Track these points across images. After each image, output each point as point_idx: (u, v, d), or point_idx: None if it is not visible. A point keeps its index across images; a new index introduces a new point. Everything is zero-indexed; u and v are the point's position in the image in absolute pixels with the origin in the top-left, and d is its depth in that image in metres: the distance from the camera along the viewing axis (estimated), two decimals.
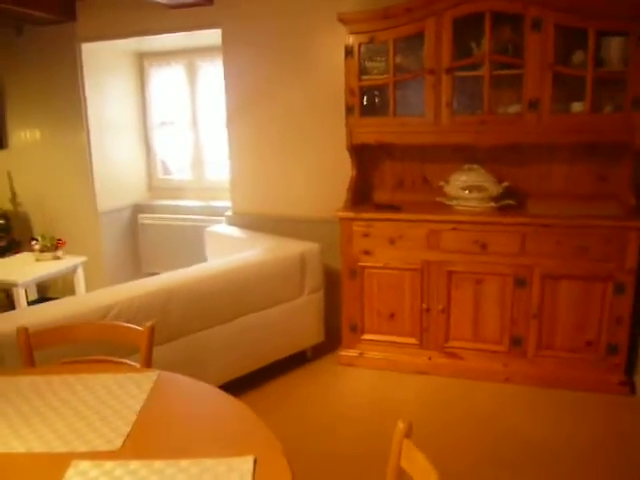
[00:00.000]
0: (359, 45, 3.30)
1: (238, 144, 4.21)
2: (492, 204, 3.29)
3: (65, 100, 4.68)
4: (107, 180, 4.88)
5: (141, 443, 1.35)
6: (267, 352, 3.41)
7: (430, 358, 3.41)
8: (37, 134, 4.92)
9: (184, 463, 1.23)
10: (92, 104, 4.67)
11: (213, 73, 4.71)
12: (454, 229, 3.22)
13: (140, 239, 5.13)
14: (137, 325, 2.61)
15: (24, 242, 5.08)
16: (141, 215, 5.08)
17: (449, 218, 3.24)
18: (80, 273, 4.39)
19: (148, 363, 1.86)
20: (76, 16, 4.47)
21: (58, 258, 4.34)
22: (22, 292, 3.89)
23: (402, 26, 3.16)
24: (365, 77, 3.37)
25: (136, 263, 5.22)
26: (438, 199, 3.49)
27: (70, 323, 2.29)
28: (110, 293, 2.82)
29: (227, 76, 4.11)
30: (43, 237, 4.40)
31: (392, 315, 3.46)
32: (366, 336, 3.55)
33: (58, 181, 4.93)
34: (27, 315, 2.60)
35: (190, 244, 4.80)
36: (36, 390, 1.61)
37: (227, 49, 4.05)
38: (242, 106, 4.11)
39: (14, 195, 5.13)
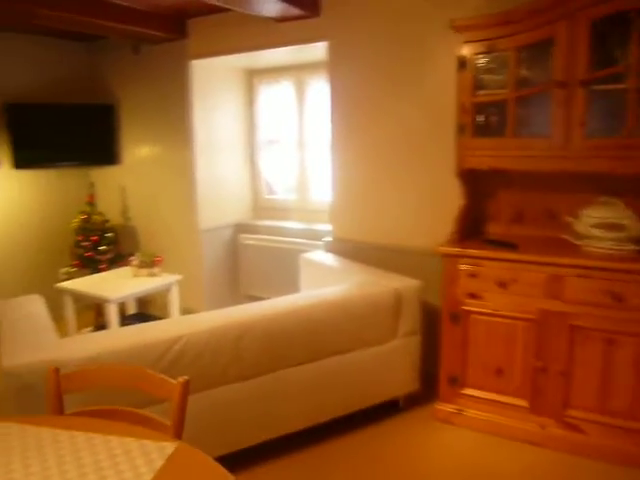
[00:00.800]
0: (474, 55, 2.86)
1: (341, 165, 3.91)
2: (632, 247, 2.69)
3: (174, 117, 4.67)
4: (211, 198, 4.79)
5: None
6: (351, 399, 3.03)
7: (543, 427, 2.84)
8: (148, 150, 4.96)
9: None
10: (199, 121, 4.60)
11: (321, 90, 4.46)
12: (582, 275, 2.65)
13: (240, 260, 4.99)
14: (202, 363, 2.37)
15: (133, 251, 5.13)
16: (243, 235, 4.94)
17: (576, 262, 2.67)
18: (175, 292, 4.29)
19: (179, 424, 1.57)
20: (187, 34, 4.44)
21: (154, 275, 4.28)
22: (113, 308, 3.84)
23: (526, 32, 2.67)
24: (480, 92, 2.91)
25: (235, 284, 5.08)
26: (564, 237, 2.94)
27: (114, 361, 2.08)
28: (179, 323, 2.61)
29: (332, 93, 3.84)
30: (142, 253, 4.36)
31: (499, 370, 2.94)
32: (467, 391, 3.06)
33: (163, 197, 4.93)
34: (87, 341, 2.44)
35: (289, 268, 4.55)
36: (38, 444, 1.38)
37: (333, 64, 3.78)
38: (346, 126, 3.81)
39: (125, 209, 5.21)
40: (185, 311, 4.80)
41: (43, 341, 2.42)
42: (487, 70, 2.92)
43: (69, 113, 4.89)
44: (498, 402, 2.97)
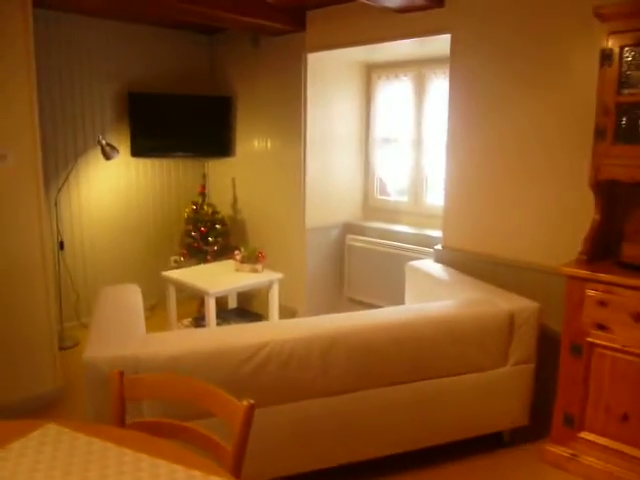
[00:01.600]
0: (621, 48, 2.44)
1: (456, 168, 3.59)
2: None
3: (288, 111, 4.57)
4: (319, 195, 4.65)
5: None
6: (450, 427, 2.73)
7: None
8: (260, 144, 4.91)
9: None
10: (313, 116, 4.47)
11: (442, 87, 4.16)
12: None
13: (345, 261, 4.81)
14: (287, 373, 2.21)
15: (239, 245, 5.13)
16: (350, 236, 4.75)
17: None
18: (275, 290, 4.19)
19: (238, 452, 1.40)
20: (306, 25, 4.31)
21: (256, 271, 4.21)
22: (212, 301, 3.80)
23: None
24: (626, 91, 2.48)
25: (338, 286, 4.91)
26: None
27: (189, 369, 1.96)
28: (266, 329, 2.46)
29: (452, 89, 3.52)
30: (246, 248, 4.31)
31: (625, 416, 2.51)
32: (585, 434, 2.65)
33: (272, 192, 4.86)
34: (170, 339, 2.36)
35: (396, 274, 4.30)
36: (85, 457, 1.27)
37: (455, 58, 3.47)
38: (466, 124, 3.48)
39: (235, 202, 5.21)
40: (285, 310, 4.71)
41: (128, 335, 2.37)
42: (636, 66, 2.49)
43: (188, 104, 4.96)
44: (622, 453, 2.54)
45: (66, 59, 4.36)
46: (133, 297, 2.94)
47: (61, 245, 4.35)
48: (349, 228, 4.82)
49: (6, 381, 3.26)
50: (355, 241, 4.70)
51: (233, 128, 5.11)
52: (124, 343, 2.28)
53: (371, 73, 4.73)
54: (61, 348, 3.90)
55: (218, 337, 2.36)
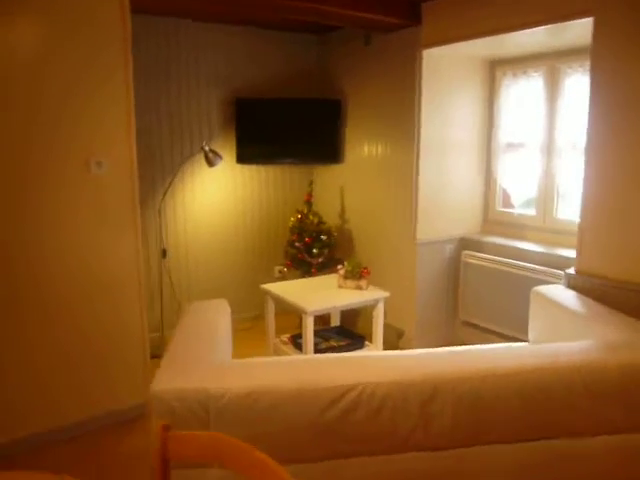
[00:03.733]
0: None
1: (599, 176, 3.00)
2: None
3: (400, 114, 4.18)
4: (433, 206, 4.21)
5: None
6: None
7: None
8: (370, 150, 4.56)
9: None
10: (427, 119, 4.05)
11: (579, 83, 3.57)
12: None
13: (461, 280, 4.32)
14: (379, 422, 1.86)
15: (345, 259, 4.82)
16: (466, 252, 4.26)
17: None
18: (380, 309, 3.82)
19: None
20: (421, 19, 3.90)
21: (360, 288, 3.86)
22: (310, 320, 3.51)
23: None
24: None
25: (452, 307, 4.43)
26: None
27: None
28: (356, 367, 2.09)
29: (594, 85, 2.95)
30: (349, 262, 3.98)
31: None
32: None
33: (381, 202, 4.49)
34: (248, 370, 2.07)
35: (519, 299, 3.78)
36: None
37: (598, 46, 2.89)
38: (612, 125, 2.89)
39: (343, 211, 4.90)
40: (391, 329, 4.33)
41: (203, 363, 2.12)
42: None
43: (295, 108, 4.73)
44: None
45: (175, 65, 4.30)
46: (220, 315, 2.70)
47: (164, 253, 4.27)
48: (466, 243, 4.33)
49: (99, 392, 3.18)
50: (472, 258, 4.21)
51: (342, 133, 4.81)
52: (196, 373, 2.02)
53: (495, 70, 4.21)
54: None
55: (301, 372, 2.03)
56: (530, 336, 3.21)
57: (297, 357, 2.21)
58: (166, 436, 1.33)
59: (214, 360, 2.17)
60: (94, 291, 3.12)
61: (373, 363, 2.12)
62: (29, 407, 2.97)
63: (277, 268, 5.05)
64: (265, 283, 4.27)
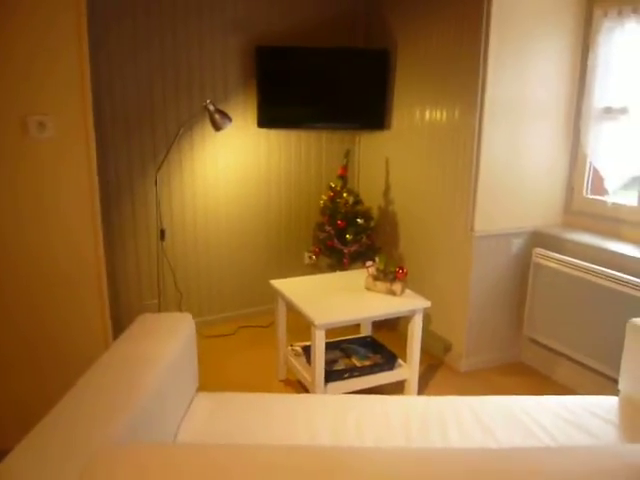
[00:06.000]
0: None
1: None
2: None
3: (461, 70, 3.19)
4: (498, 188, 3.24)
5: None
6: None
7: None
8: (421, 114, 3.59)
9: None
10: (495, 77, 3.05)
11: None
12: None
13: (529, 286, 3.35)
14: None
15: (386, 249, 3.95)
16: (539, 250, 3.27)
17: None
18: (417, 323, 2.93)
19: None
20: None
21: (393, 293, 2.99)
22: (320, 335, 2.69)
23: None
24: None
25: (516, 319, 3.48)
26: None
27: None
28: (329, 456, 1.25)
29: None
30: (381, 258, 3.10)
31: None
32: None
33: (432, 180, 3.54)
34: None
35: (609, 321, 2.81)
36: None
37: None
38: None
39: (387, 189, 3.99)
40: (437, 340, 3.48)
41: (72, 451, 1.34)
42: None
43: (331, 60, 3.80)
44: None
45: (183, 6, 3.46)
46: (169, 344, 1.93)
47: (162, 234, 3.55)
48: (539, 239, 3.34)
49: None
50: (546, 259, 3.22)
51: (390, 92, 3.86)
52: (63, 468, 1.25)
53: (593, 8, 3.13)
54: None
55: (233, 467, 1.22)
56: (621, 385, 2.27)
57: (223, 449, 1.40)
58: None
59: (108, 433, 1.40)
60: (44, 290, 2.44)
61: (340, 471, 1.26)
62: None
63: (307, 254, 4.24)
64: (292, 271, 3.44)
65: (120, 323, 3.11)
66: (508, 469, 1.16)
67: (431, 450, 1.27)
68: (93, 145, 2.43)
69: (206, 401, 2.12)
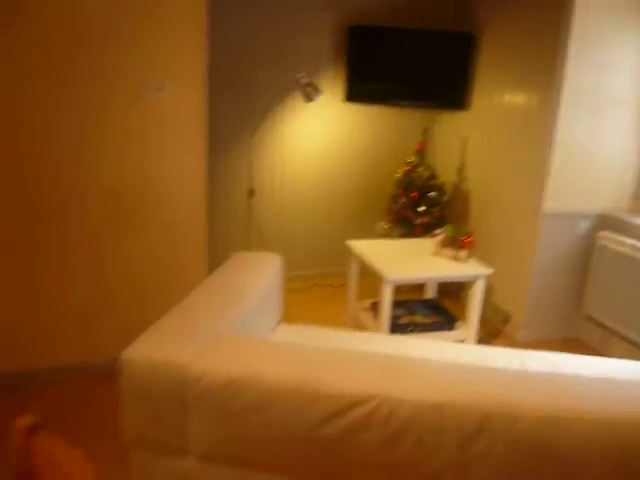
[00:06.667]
0: None
1: None
2: None
3: (540, 58, 3.35)
4: (569, 171, 3.39)
5: None
6: None
7: None
8: (501, 96, 3.77)
9: None
10: (575, 65, 3.19)
11: None
12: None
13: (592, 265, 3.49)
14: (397, 451, 1.39)
15: (455, 222, 4.17)
16: (605, 233, 3.41)
17: None
18: (479, 288, 3.17)
19: None
20: None
21: (458, 259, 3.24)
22: (388, 290, 2.98)
23: None
24: None
25: (576, 297, 3.63)
26: None
27: None
28: (376, 372, 1.56)
29: None
30: (450, 227, 3.34)
31: None
32: None
33: (506, 160, 3.73)
34: (239, 355, 1.61)
35: None
36: None
37: None
38: None
39: (462, 167, 4.20)
40: (497, 311, 3.68)
41: (197, 332, 1.71)
42: None
43: (418, 41, 4.03)
44: None
45: None
46: (261, 274, 2.29)
47: (251, 194, 3.92)
48: (606, 221, 3.48)
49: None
50: (612, 241, 3.36)
51: (472, 74, 4.05)
52: (179, 344, 1.62)
53: None
54: None
55: (304, 368, 1.55)
56: None
57: (307, 348, 1.72)
58: (27, 445, 0.94)
59: (215, 330, 1.76)
60: (150, 227, 2.86)
61: (403, 369, 1.57)
62: (60, 338, 2.83)
63: (380, 224, 4.52)
64: (365, 238, 3.76)
65: (209, 270, 3.52)
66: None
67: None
68: (206, 104, 2.80)
69: (288, 330, 2.46)
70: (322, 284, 4.35)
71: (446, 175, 4.27)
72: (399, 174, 4.12)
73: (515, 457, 1.42)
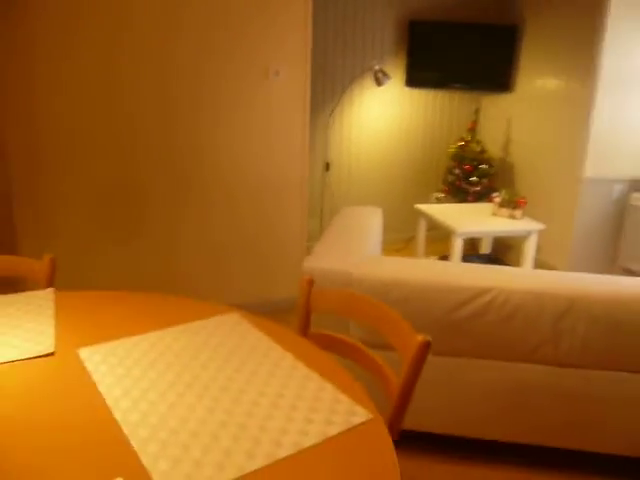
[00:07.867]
0: None
1: None
2: None
3: (579, 42, 3.93)
4: (606, 142, 3.97)
5: None
6: None
7: None
8: (543, 81, 4.36)
9: None
10: (610, 52, 3.76)
11: None
12: None
13: (626, 223, 4.09)
14: (508, 329, 1.97)
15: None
16: (636, 194, 4.00)
17: None
18: (532, 241, 3.78)
19: (406, 388, 1.24)
20: None
21: (514, 217, 3.84)
22: (459, 242, 3.59)
23: None
24: None
25: (611, 251, 4.22)
26: None
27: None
28: (494, 274, 2.18)
29: None
30: (506, 191, 3.94)
31: None
32: None
33: (548, 136, 4.31)
34: (385, 265, 2.24)
35: None
36: (249, 350, 1.26)
37: None
38: None
39: (507, 142, 4.79)
40: (543, 265, 4.27)
41: (350, 253, 2.34)
42: None
43: (469, 33, 4.63)
44: None
45: None
46: (372, 218, 2.91)
47: (327, 167, 4.54)
48: (637, 185, 4.06)
49: (261, 283, 3.60)
50: None
51: (516, 61, 4.63)
52: (343, 259, 2.25)
53: None
54: None
55: (438, 271, 2.18)
56: None
57: (436, 262, 2.35)
58: (309, 289, 1.57)
59: (361, 251, 2.39)
60: (263, 192, 3.48)
61: (510, 272, 2.19)
62: (206, 283, 3.48)
63: (434, 194, 5.12)
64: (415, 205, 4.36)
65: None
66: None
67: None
68: (309, 89, 3.41)
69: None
70: (386, 247, 4.97)
71: (493, 150, 4.86)
72: (453, 149, 4.72)
73: (594, 333, 2.03)
